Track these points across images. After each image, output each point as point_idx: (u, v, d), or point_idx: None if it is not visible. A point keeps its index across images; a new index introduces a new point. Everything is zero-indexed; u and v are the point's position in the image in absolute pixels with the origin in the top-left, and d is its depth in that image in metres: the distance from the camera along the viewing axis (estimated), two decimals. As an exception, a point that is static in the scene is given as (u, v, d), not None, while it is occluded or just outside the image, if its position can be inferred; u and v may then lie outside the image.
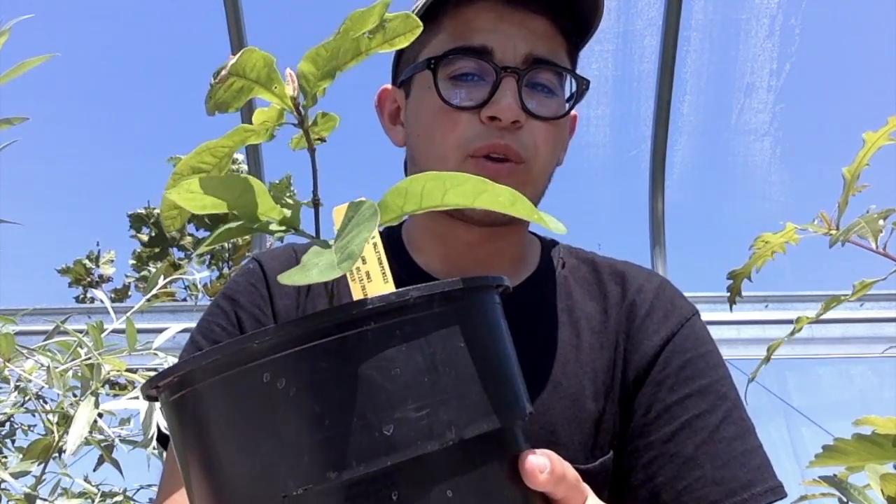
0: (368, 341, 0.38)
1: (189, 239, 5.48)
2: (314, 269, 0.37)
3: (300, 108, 0.45)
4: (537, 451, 0.43)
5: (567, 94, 0.81)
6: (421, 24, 0.45)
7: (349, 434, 0.36)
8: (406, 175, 0.87)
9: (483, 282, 0.44)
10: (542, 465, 0.41)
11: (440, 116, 0.77)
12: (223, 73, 0.42)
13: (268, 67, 0.43)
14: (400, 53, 0.87)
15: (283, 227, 0.45)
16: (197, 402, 0.39)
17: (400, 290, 0.39)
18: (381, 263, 0.49)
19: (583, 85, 0.81)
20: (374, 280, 0.49)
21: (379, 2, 0.42)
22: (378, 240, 0.51)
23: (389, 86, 0.89)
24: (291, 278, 0.37)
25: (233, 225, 0.44)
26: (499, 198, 0.42)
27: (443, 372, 0.39)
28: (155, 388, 0.42)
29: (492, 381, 0.41)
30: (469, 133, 0.76)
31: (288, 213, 0.45)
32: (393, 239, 0.88)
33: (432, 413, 0.38)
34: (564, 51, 0.81)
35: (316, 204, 0.46)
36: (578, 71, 0.84)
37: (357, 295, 0.47)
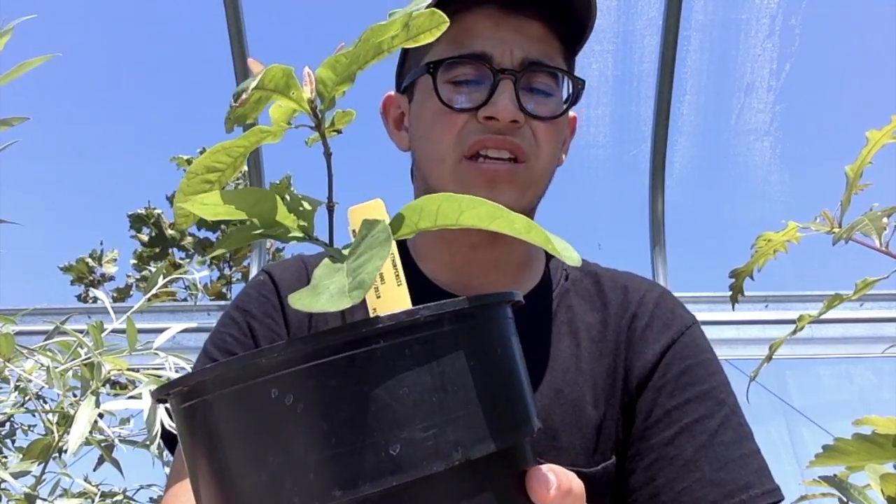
0: (377, 360, 0.37)
1: (189, 239, 5.47)
2: (324, 295, 0.37)
3: (317, 111, 0.44)
4: (542, 466, 0.43)
5: (564, 96, 0.83)
6: (447, 20, 0.44)
7: (355, 453, 0.36)
8: (412, 180, 0.89)
9: (493, 298, 0.44)
10: (549, 481, 0.41)
11: (440, 118, 0.79)
12: (244, 96, 0.41)
13: (286, 77, 0.42)
14: (403, 61, 0.90)
15: (300, 234, 0.45)
16: (207, 413, 0.39)
17: (410, 308, 0.39)
18: (395, 266, 0.50)
19: (578, 85, 0.82)
20: (387, 282, 0.49)
21: (398, 18, 0.41)
22: (392, 243, 0.51)
23: (393, 92, 0.90)
24: (301, 302, 0.37)
25: (247, 228, 0.45)
26: (514, 224, 0.42)
27: (451, 391, 0.38)
28: (166, 395, 0.42)
29: (501, 401, 0.41)
30: (466, 133, 0.77)
31: (304, 223, 0.45)
32: (398, 246, 0.89)
33: (439, 433, 0.37)
34: (560, 54, 0.82)
35: (330, 209, 0.46)
36: (577, 72, 0.85)
37: (370, 299, 0.48)
